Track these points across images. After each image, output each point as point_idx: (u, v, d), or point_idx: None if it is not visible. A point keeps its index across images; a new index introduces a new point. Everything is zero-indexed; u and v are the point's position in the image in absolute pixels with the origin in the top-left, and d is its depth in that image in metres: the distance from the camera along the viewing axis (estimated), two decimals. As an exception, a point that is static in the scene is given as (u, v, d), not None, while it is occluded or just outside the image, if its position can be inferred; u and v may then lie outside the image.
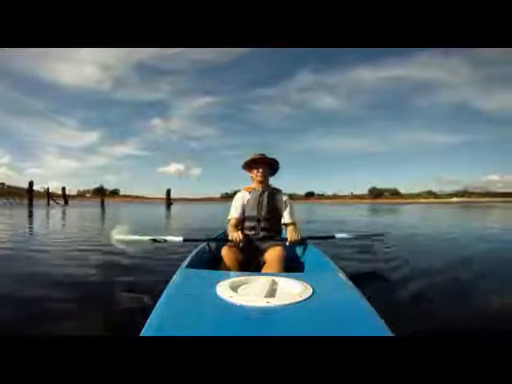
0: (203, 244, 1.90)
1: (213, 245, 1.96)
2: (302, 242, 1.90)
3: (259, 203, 1.86)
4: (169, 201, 25.97)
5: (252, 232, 1.83)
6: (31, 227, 6.88)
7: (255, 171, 1.91)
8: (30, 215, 11.37)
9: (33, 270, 2.44)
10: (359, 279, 1.25)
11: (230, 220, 1.89)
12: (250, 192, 1.92)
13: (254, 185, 1.97)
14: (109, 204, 27.93)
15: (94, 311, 1.57)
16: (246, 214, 1.87)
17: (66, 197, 28.91)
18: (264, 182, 1.93)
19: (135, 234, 2.02)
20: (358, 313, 0.81)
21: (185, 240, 1.90)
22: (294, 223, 1.91)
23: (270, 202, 1.87)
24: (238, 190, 2.01)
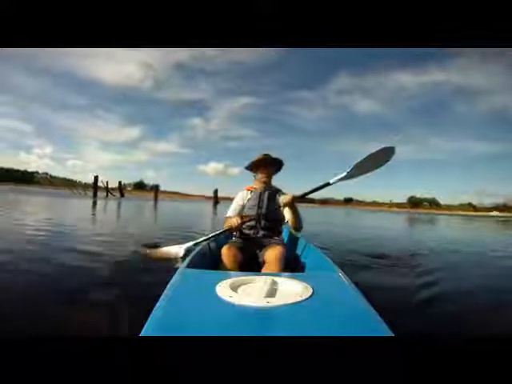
0: (203, 244, 1.91)
1: (213, 245, 1.96)
2: (296, 200, 1.73)
3: (259, 203, 1.86)
4: (216, 200, 27.72)
5: (252, 231, 1.83)
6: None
7: (261, 172, 1.91)
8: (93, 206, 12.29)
9: (34, 267, 2.44)
10: (359, 279, 1.25)
11: (227, 218, 1.90)
12: (251, 191, 1.93)
13: (256, 184, 1.97)
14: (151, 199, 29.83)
15: (93, 311, 1.57)
16: (246, 214, 1.87)
17: (122, 190, 31.95)
18: (268, 182, 1.93)
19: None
20: (358, 313, 0.80)
21: (195, 244, 2.06)
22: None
23: (271, 202, 1.88)
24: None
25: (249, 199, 1.90)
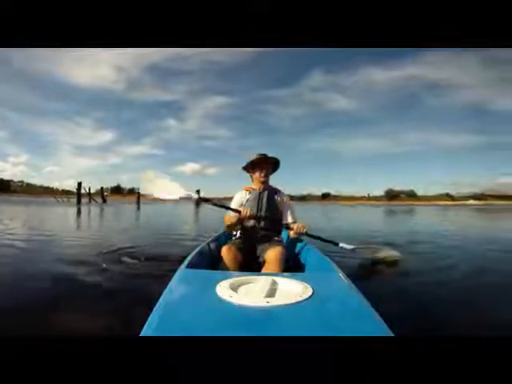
0: (203, 244, 1.91)
1: (213, 245, 1.96)
2: (306, 235, 1.85)
3: (259, 203, 1.86)
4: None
5: (252, 231, 1.83)
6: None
7: (258, 172, 1.91)
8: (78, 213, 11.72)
9: (35, 267, 2.44)
10: (359, 279, 1.26)
11: (227, 216, 1.90)
12: (249, 192, 1.92)
13: (254, 185, 1.97)
14: (132, 203, 30.01)
15: (93, 311, 1.57)
16: None
17: (103, 195, 31.74)
18: (266, 182, 1.93)
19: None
20: (358, 313, 0.81)
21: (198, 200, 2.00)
22: (295, 222, 1.91)
23: (270, 202, 1.87)
24: None
25: (248, 199, 1.90)
